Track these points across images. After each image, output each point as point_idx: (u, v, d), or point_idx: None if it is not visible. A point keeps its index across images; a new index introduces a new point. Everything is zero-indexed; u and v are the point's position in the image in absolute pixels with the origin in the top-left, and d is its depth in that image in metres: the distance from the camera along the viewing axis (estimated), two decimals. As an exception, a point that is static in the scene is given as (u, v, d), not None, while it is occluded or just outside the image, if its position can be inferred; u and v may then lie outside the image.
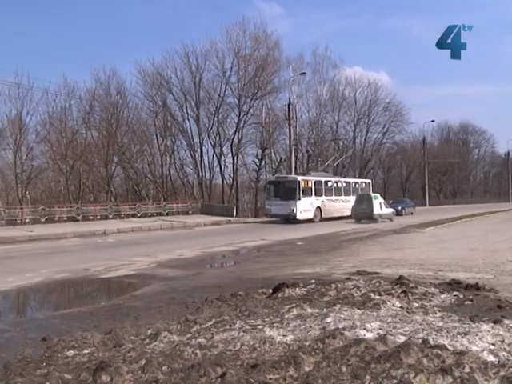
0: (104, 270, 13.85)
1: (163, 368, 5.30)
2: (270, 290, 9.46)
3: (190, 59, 49.71)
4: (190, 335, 6.52)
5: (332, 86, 61.56)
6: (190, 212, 41.87)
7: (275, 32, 53.81)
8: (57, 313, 9.33)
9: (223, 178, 52.55)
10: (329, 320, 6.85)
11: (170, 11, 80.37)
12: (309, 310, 7.61)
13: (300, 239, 21.84)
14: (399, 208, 41.12)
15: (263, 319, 7.18)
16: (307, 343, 5.92)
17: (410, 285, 9.33)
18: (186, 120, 51.63)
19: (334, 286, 9.36)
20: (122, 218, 35.96)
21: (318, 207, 34.94)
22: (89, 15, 75.09)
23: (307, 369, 5.15)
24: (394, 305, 7.92)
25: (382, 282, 9.91)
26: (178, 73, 50.12)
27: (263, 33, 51.24)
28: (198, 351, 5.79)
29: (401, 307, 7.81)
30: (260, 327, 6.63)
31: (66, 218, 33.89)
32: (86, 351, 6.08)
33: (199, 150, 51.58)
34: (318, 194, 35.30)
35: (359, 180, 44.03)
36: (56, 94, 45.17)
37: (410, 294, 8.41)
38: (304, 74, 51.17)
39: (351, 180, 42.04)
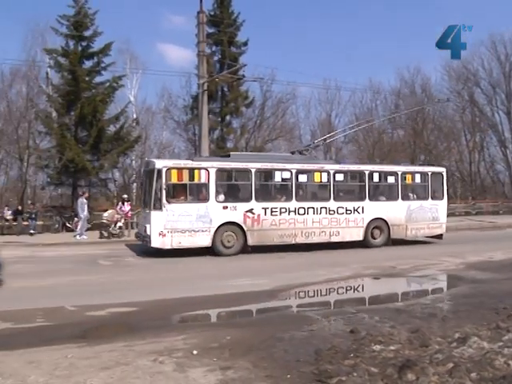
0: (411, 269, 13.83)
1: (471, 375, 5.06)
2: None
3: (497, 49, 46.51)
4: (501, 344, 6.11)
5: None
6: (501, 212, 39.19)
7: None
8: (364, 307, 9.62)
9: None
10: None
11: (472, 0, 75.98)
12: None
13: None
14: None
15: None
16: None
17: None
18: (496, 114, 48.50)
19: None
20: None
21: (236, 225, 16.94)
22: (391, 16, 75.50)
23: None
24: None
25: None
26: (486, 64, 47.32)
27: None
28: (510, 362, 5.40)
29: None
30: None
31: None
32: (392, 347, 6.13)
33: (511, 146, 47.96)
34: (237, 195, 17.77)
35: (407, 168, 20.75)
36: (362, 96, 46.70)
37: None
38: None
39: (367, 168, 19.63)
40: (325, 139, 24.02)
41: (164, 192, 15.88)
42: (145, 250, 16.44)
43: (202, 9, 24.77)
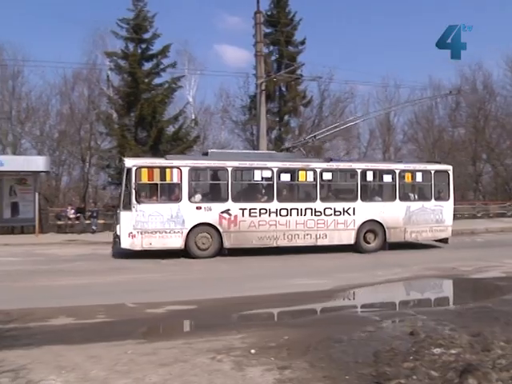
0: (473, 271, 13.48)
1: (537, 381, 4.89)
2: None
3: None
4: None
5: None
6: None
7: None
8: (424, 309, 9.43)
9: None
10: None
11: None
12: None
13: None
14: None
15: None
16: None
17: None
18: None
19: None
20: (491, 217, 34.37)
21: (211, 227, 16.18)
22: (451, 11, 73.68)
23: None
24: None
25: None
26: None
27: None
28: None
29: None
30: None
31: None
32: (452, 351, 5.98)
33: None
34: (212, 195, 16.86)
35: (406, 166, 19.01)
36: (422, 94, 45.68)
37: None
38: None
39: (360, 167, 18.05)
40: (315, 136, 22.42)
41: (133, 191, 15.45)
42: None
43: (258, 9, 24.92)
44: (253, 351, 6.26)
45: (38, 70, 37.26)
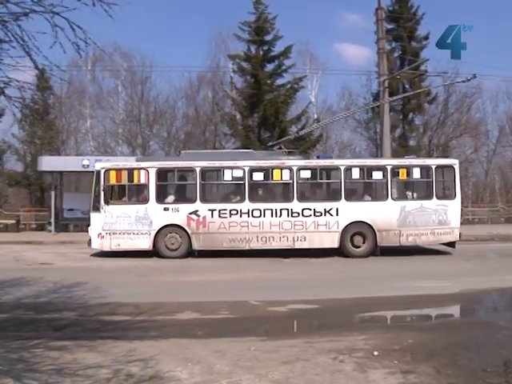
0: None
1: None
2: None
3: None
4: None
5: None
6: None
7: None
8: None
9: None
10: None
11: None
12: None
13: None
14: None
15: None
16: None
17: None
18: None
19: None
20: None
21: (179, 228, 15.91)
22: None
23: None
24: None
25: None
26: None
27: None
28: None
29: None
30: None
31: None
32: None
33: None
34: (180, 196, 16.52)
35: (400, 162, 17.17)
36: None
37: None
38: None
39: (343, 163, 16.64)
40: (302, 128, 21.22)
41: (102, 193, 15.68)
42: (326, 248, 16.19)
43: (380, 5, 24.56)
44: (376, 353, 6.16)
45: (165, 74, 39.06)
